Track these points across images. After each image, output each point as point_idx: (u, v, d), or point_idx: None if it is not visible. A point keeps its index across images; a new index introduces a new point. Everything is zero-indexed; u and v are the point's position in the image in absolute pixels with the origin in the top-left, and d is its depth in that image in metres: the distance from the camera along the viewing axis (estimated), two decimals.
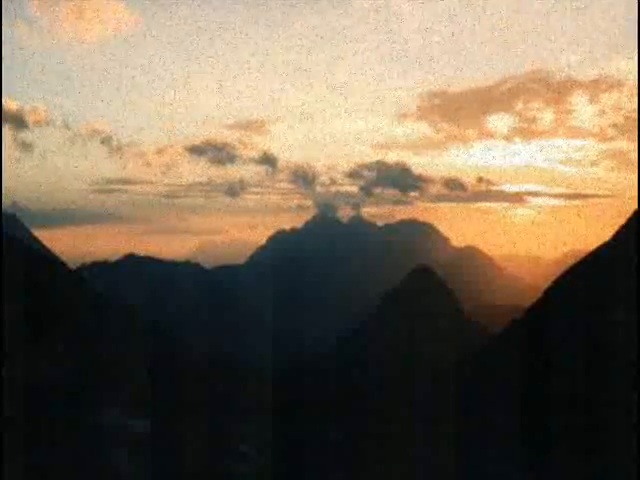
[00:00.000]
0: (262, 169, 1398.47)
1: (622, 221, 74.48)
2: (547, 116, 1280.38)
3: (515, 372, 68.58)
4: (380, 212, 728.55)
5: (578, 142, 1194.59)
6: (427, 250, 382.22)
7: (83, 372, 63.82)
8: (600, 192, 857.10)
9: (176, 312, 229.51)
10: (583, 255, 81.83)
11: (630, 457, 45.11)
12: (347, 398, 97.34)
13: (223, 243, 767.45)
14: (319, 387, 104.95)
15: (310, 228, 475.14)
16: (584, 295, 68.30)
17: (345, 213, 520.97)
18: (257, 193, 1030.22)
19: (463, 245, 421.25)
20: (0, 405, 45.44)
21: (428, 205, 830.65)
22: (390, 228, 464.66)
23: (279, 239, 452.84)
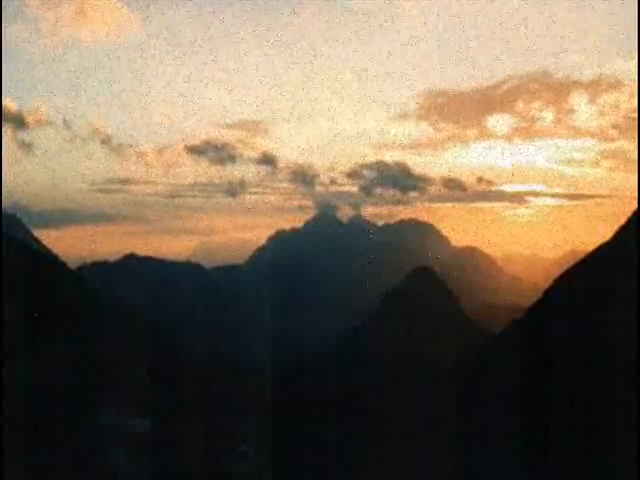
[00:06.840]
0: (262, 169, 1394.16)
1: (622, 221, 74.45)
2: (547, 116, 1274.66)
3: (515, 372, 68.46)
4: (380, 212, 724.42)
5: (578, 142, 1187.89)
6: (427, 250, 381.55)
7: (83, 372, 63.77)
8: (600, 192, 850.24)
9: (176, 312, 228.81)
10: (583, 255, 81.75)
11: (630, 457, 45.05)
12: (347, 398, 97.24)
13: (223, 243, 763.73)
14: (319, 387, 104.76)
15: (310, 228, 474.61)
16: (584, 295, 68.15)
17: (345, 213, 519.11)
18: (257, 193, 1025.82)
19: (463, 245, 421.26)
20: (0, 405, 45.38)
21: (428, 205, 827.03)
22: (390, 228, 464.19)
23: (279, 239, 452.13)
